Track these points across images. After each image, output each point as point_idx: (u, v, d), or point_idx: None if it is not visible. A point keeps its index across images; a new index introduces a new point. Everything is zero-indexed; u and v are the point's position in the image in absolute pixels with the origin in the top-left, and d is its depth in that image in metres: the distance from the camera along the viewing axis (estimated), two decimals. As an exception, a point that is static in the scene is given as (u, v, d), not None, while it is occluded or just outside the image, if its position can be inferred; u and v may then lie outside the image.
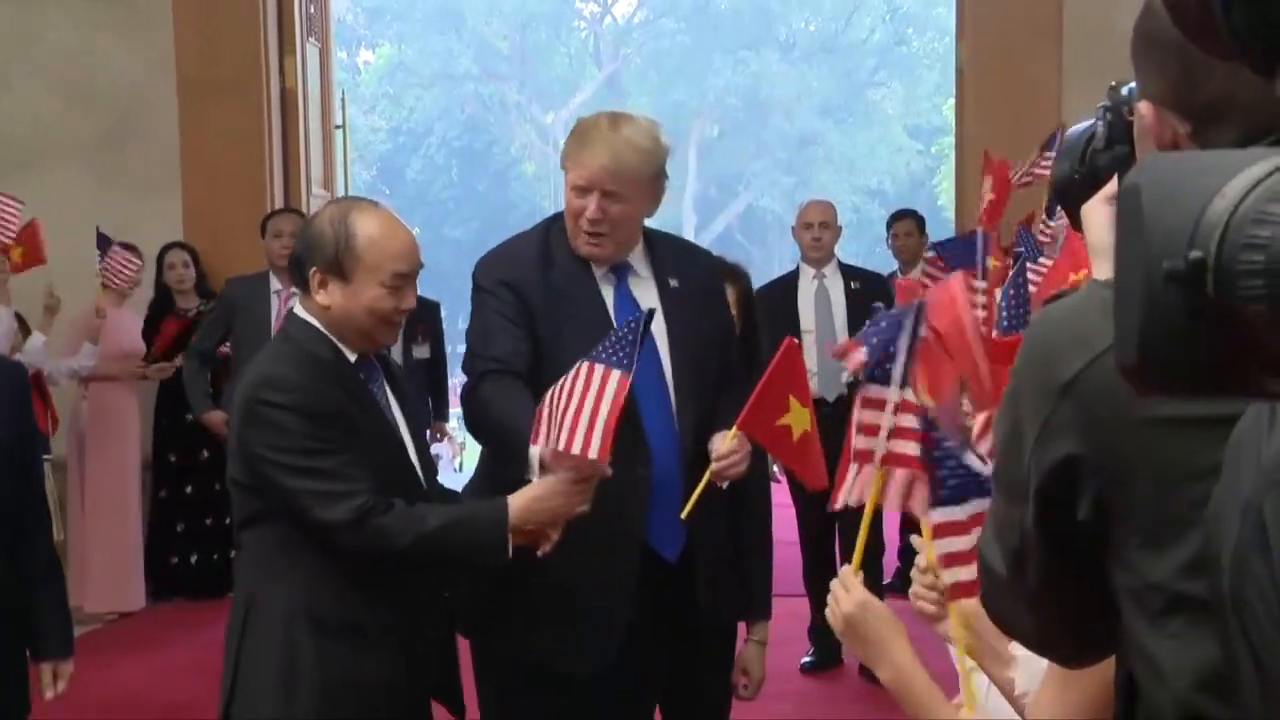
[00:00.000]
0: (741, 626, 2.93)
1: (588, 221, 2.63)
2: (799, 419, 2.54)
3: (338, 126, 7.77)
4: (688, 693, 2.78)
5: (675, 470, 2.63)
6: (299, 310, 2.46)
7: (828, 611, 1.83)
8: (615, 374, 2.32)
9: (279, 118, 6.95)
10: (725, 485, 2.63)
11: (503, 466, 2.60)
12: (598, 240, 2.65)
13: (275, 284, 5.89)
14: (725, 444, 2.56)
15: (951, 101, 8.77)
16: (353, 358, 2.44)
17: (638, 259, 2.75)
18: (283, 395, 2.33)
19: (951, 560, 1.70)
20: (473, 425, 2.74)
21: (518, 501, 2.35)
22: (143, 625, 6.30)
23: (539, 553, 2.40)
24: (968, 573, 1.68)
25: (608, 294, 2.70)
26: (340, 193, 7.77)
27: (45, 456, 5.85)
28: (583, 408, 2.32)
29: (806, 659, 5.56)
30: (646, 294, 2.71)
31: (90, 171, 6.88)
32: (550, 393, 2.36)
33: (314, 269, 2.40)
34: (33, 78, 6.93)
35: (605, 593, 2.61)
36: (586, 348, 2.43)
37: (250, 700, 2.37)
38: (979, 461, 1.70)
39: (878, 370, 1.81)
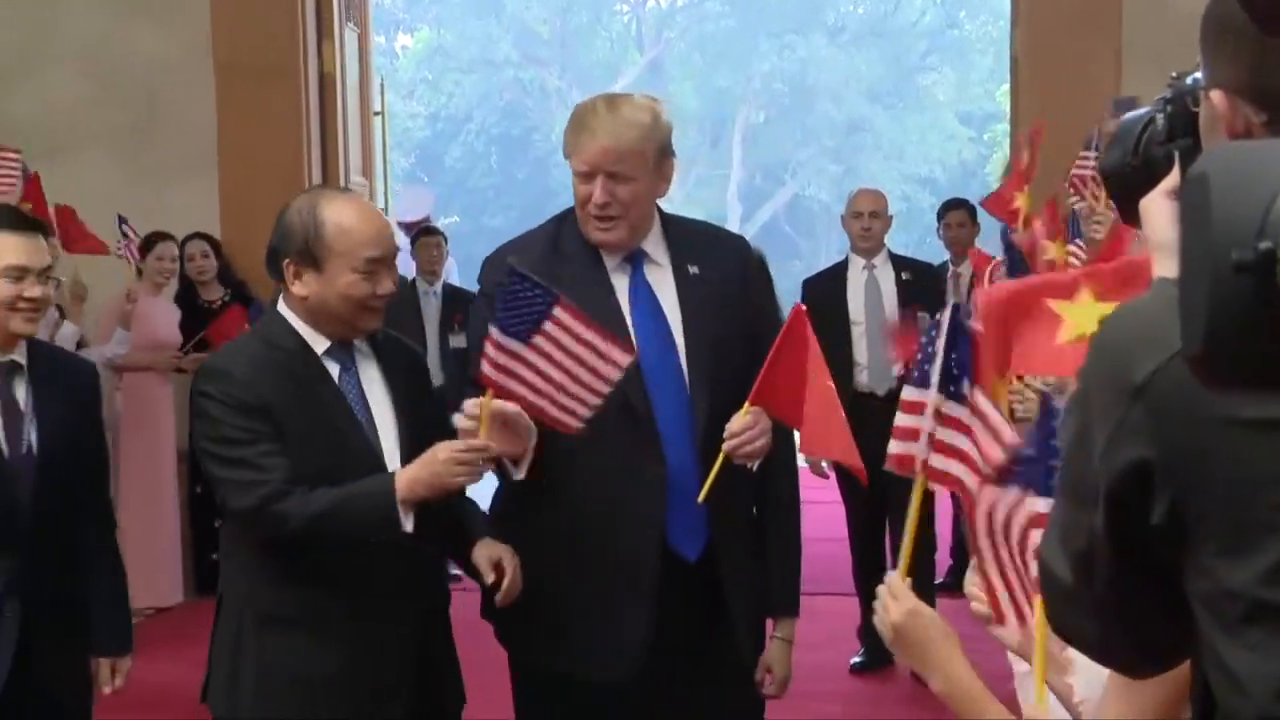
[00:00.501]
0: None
1: (595, 206, 2.62)
2: (820, 391, 2.50)
3: (376, 113, 7.79)
4: (719, 696, 2.75)
5: (691, 467, 2.61)
6: (279, 303, 2.55)
7: (875, 619, 1.81)
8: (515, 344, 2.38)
9: (317, 104, 6.99)
10: (753, 467, 2.61)
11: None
12: (608, 224, 2.63)
13: None
14: (738, 421, 2.54)
15: (1005, 87, 8.71)
16: (322, 347, 2.48)
17: (654, 245, 2.72)
18: (214, 386, 2.45)
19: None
20: None
21: (406, 473, 2.39)
22: (179, 621, 6.33)
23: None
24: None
25: (622, 285, 2.68)
26: (379, 181, 7.81)
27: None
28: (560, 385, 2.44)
29: (856, 659, 5.55)
30: (663, 282, 2.69)
31: (122, 159, 6.93)
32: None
33: (287, 260, 2.49)
34: (61, 63, 6.98)
35: (627, 598, 2.60)
36: None
37: (214, 693, 2.53)
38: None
39: (916, 372, 1.80)
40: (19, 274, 2.74)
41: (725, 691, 2.74)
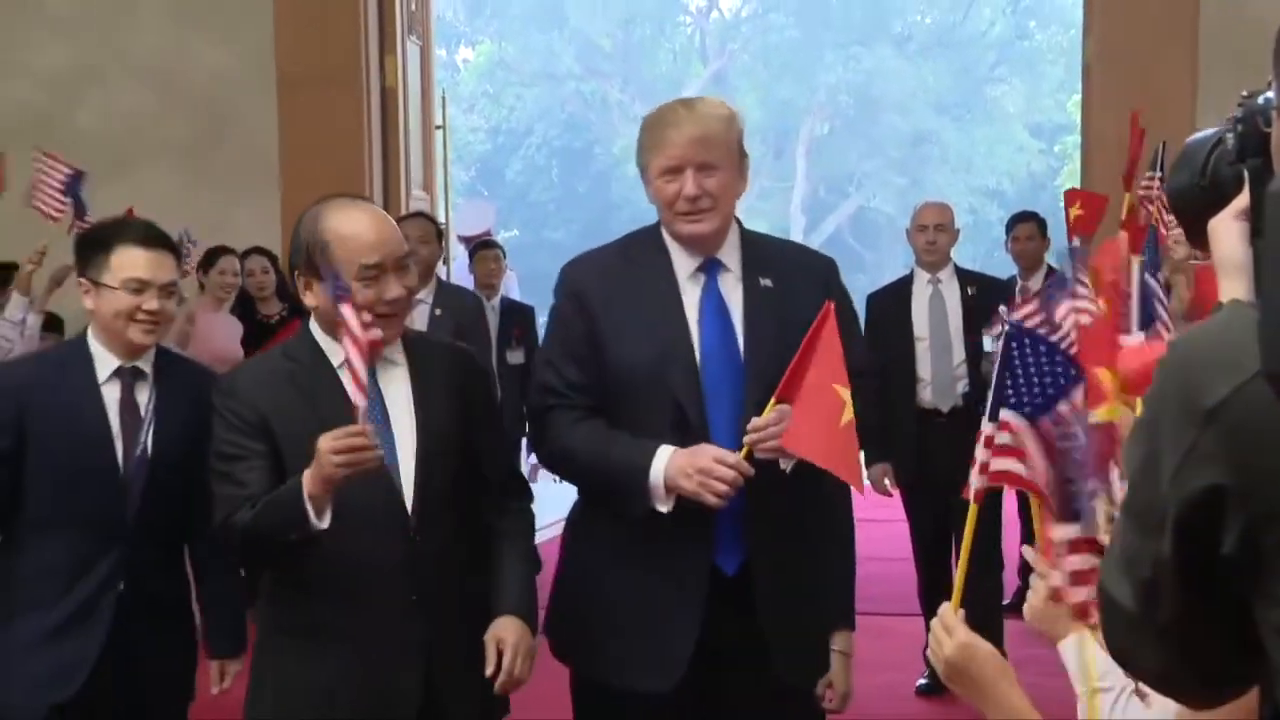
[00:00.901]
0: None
1: (686, 200, 2.62)
2: (823, 391, 2.47)
3: (438, 126, 7.85)
4: (778, 713, 2.73)
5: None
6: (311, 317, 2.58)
7: (929, 653, 1.78)
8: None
9: (379, 117, 7.05)
10: (786, 468, 2.59)
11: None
12: (700, 216, 2.64)
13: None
14: (763, 417, 2.52)
15: (1077, 98, 8.63)
16: (340, 357, 2.47)
17: (730, 255, 2.72)
18: (219, 401, 2.52)
19: (1083, 578, 1.67)
20: (552, 468, 2.79)
21: (310, 471, 2.36)
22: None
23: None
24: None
25: (693, 292, 2.68)
26: (439, 195, 7.86)
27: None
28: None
29: (922, 681, 5.50)
30: (734, 292, 2.69)
31: (184, 172, 7.02)
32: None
33: (297, 272, 2.52)
34: (126, 76, 7.09)
35: (672, 608, 2.61)
36: (657, 350, 2.55)
37: (247, 702, 2.59)
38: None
39: (992, 404, 1.77)
40: (139, 287, 2.85)
41: (784, 708, 2.72)
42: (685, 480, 2.50)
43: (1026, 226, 6.44)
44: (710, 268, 2.70)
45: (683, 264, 2.70)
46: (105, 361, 2.91)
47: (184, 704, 3.08)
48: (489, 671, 2.49)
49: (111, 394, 2.89)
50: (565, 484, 2.82)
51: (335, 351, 2.50)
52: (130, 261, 2.87)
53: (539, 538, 2.82)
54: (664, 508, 2.53)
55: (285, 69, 6.96)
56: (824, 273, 2.81)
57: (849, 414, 2.46)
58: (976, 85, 29.05)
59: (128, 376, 2.92)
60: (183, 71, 7.05)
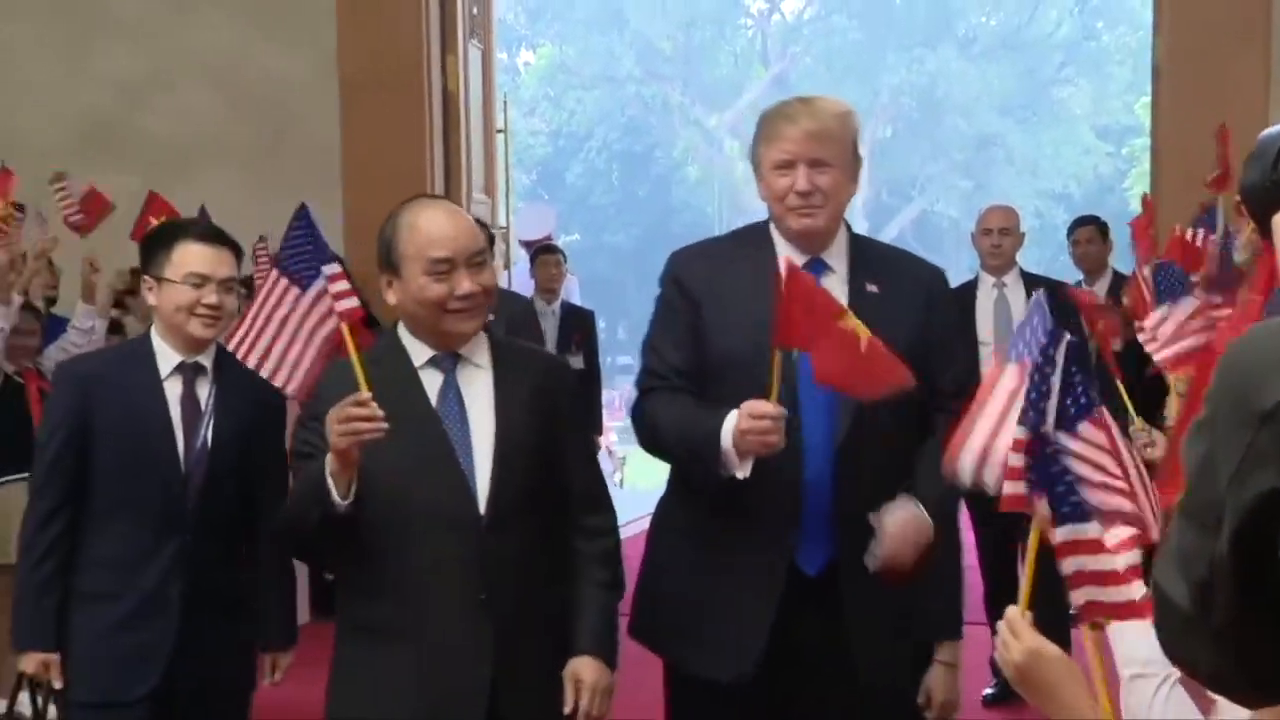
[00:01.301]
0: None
1: (798, 195, 2.64)
2: (855, 324, 2.45)
3: (499, 130, 7.90)
4: (850, 717, 2.72)
5: (828, 480, 2.62)
6: None
7: (997, 657, 1.78)
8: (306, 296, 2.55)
9: (441, 120, 7.11)
10: (871, 565, 2.58)
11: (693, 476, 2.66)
12: (811, 212, 2.66)
13: None
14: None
15: (1145, 100, 8.56)
16: (422, 358, 2.53)
17: (836, 258, 2.74)
18: (304, 401, 2.61)
19: (1081, 580, 1.68)
20: (646, 445, 2.80)
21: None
22: (305, 638, 6.36)
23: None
24: (1103, 594, 1.67)
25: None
26: (501, 198, 7.91)
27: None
28: (295, 338, 2.60)
29: (989, 690, 5.47)
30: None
31: (247, 176, 7.10)
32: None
33: (381, 272, 2.57)
34: (193, 80, 7.19)
35: (746, 601, 2.63)
36: (753, 343, 2.54)
37: (329, 702, 2.63)
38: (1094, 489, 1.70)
39: (1030, 412, 1.77)
40: (200, 281, 2.96)
41: (867, 711, 2.71)
42: (740, 444, 2.51)
43: (1086, 230, 6.40)
44: (814, 267, 2.71)
45: (798, 254, 2.71)
46: (167, 357, 3.02)
47: (248, 694, 3.18)
48: (567, 710, 2.53)
49: (173, 389, 3.00)
50: (646, 488, 2.85)
51: (419, 351, 2.55)
52: (190, 257, 2.97)
53: (624, 533, 2.85)
54: (741, 473, 2.53)
55: (348, 73, 7.04)
56: (929, 282, 2.83)
57: (864, 334, 2.45)
58: (1042, 87, 28.80)
59: (189, 372, 3.02)
60: (247, 76, 7.15)
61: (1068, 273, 7.29)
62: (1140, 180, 20.85)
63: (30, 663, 2.97)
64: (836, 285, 2.71)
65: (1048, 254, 22.45)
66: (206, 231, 3.07)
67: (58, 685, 2.95)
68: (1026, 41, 28.57)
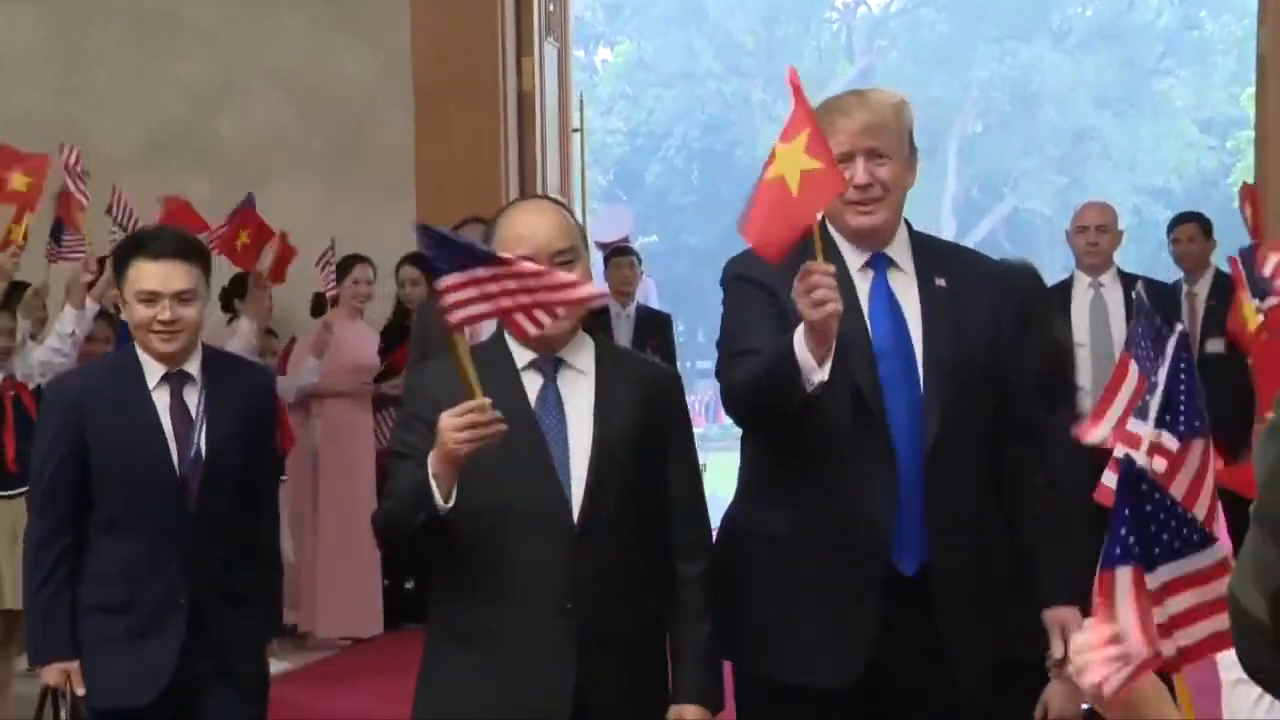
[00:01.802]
0: None
1: (856, 189, 2.63)
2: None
3: (575, 130, 7.93)
4: None
5: (918, 478, 2.61)
6: None
7: (1077, 680, 1.75)
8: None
9: (515, 122, 7.16)
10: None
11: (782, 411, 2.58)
12: (870, 207, 2.65)
13: None
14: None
15: (1250, 91, 8.41)
16: (524, 360, 2.57)
17: (900, 252, 2.73)
18: (404, 397, 2.68)
19: (1192, 617, 1.56)
20: (744, 412, 2.72)
21: (435, 451, 2.41)
22: (377, 651, 6.42)
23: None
24: (1218, 622, 1.60)
25: (863, 288, 2.69)
26: (577, 199, 7.94)
27: (281, 478, 6.15)
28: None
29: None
30: (908, 290, 2.69)
31: (322, 180, 7.21)
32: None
33: None
34: (265, 85, 7.31)
35: (848, 603, 2.61)
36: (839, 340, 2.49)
37: (416, 705, 2.66)
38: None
39: (1139, 403, 1.74)
40: (150, 297, 3.06)
41: (958, 716, 2.68)
42: (804, 318, 2.43)
43: (1187, 228, 6.31)
44: (878, 263, 2.71)
45: (851, 258, 2.70)
46: (153, 369, 3.14)
47: (264, 686, 3.28)
48: None
49: (162, 399, 3.12)
50: (728, 495, 2.84)
51: (521, 353, 2.58)
52: (141, 274, 3.07)
53: None
54: (819, 375, 2.45)
55: (421, 76, 7.10)
56: (995, 276, 2.83)
57: (774, 170, 2.45)
58: (1142, 78, 28.40)
59: (176, 381, 3.14)
60: (320, 81, 7.24)
61: (1168, 271, 7.18)
62: (1245, 175, 20.50)
63: (51, 674, 3.11)
64: (905, 282, 2.70)
65: (1148, 252, 22.14)
66: (161, 247, 3.12)
67: (80, 692, 3.08)
68: (1125, 31, 28.19)
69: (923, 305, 2.68)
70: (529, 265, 2.39)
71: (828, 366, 2.46)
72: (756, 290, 2.70)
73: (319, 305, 6.68)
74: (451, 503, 2.41)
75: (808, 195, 2.44)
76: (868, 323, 2.66)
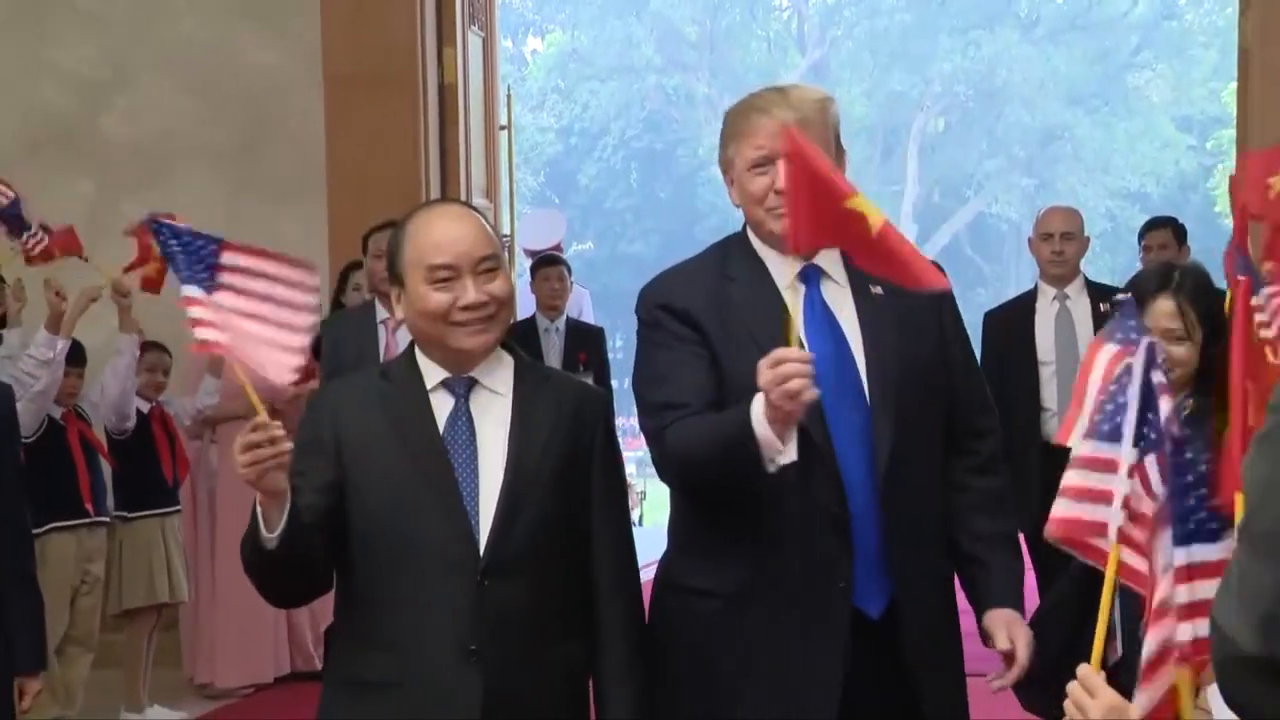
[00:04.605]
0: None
1: (778, 195, 2.63)
2: (865, 206, 2.39)
3: (502, 127, 7.93)
4: None
5: (873, 511, 2.61)
6: None
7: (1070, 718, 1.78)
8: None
9: (437, 117, 7.14)
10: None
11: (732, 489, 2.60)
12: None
13: (382, 312, 5.74)
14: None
15: (1233, 87, 8.54)
16: (434, 379, 2.54)
17: (832, 262, 2.73)
18: (304, 415, 2.61)
19: (1199, 611, 1.67)
20: (687, 487, 2.74)
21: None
22: (279, 701, 6.34)
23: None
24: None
25: (792, 302, 2.67)
26: (504, 202, 7.94)
27: (173, 508, 6.12)
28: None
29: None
30: (843, 302, 2.70)
31: (225, 178, 7.15)
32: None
33: (390, 284, 2.61)
34: (161, 75, 7.25)
35: (814, 649, 2.61)
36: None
37: None
38: None
39: (1106, 426, 1.77)
40: None
41: None
42: (769, 409, 2.42)
43: (1159, 234, 6.39)
44: (809, 275, 2.71)
45: (779, 271, 2.71)
46: None
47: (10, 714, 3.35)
48: None
49: None
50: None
51: (432, 373, 2.56)
52: None
53: (644, 575, 2.79)
54: (786, 457, 2.46)
55: (334, 67, 7.07)
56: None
57: (876, 219, 2.38)
58: (1116, 73, 28.78)
59: None
60: (221, 70, 7.19)
61: (1142, 282, 7.27)
62: (1227, 177, 20.69)
63: None
64: (839, 294, 2.71)
65: (1123, 261, 22.43)
66: None
67: None
68: (1098, 22, 28.57)
69: (860, 317, 2.69)
70: (253, 264, 2.47)
71: (793, 445, 2.46)
72: (679, 325, 2.69)
73: None
74: (279, 532, 2.38)
75: (888, 249, 2.40)
76: (804, 344, 2.63)
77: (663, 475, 2.77)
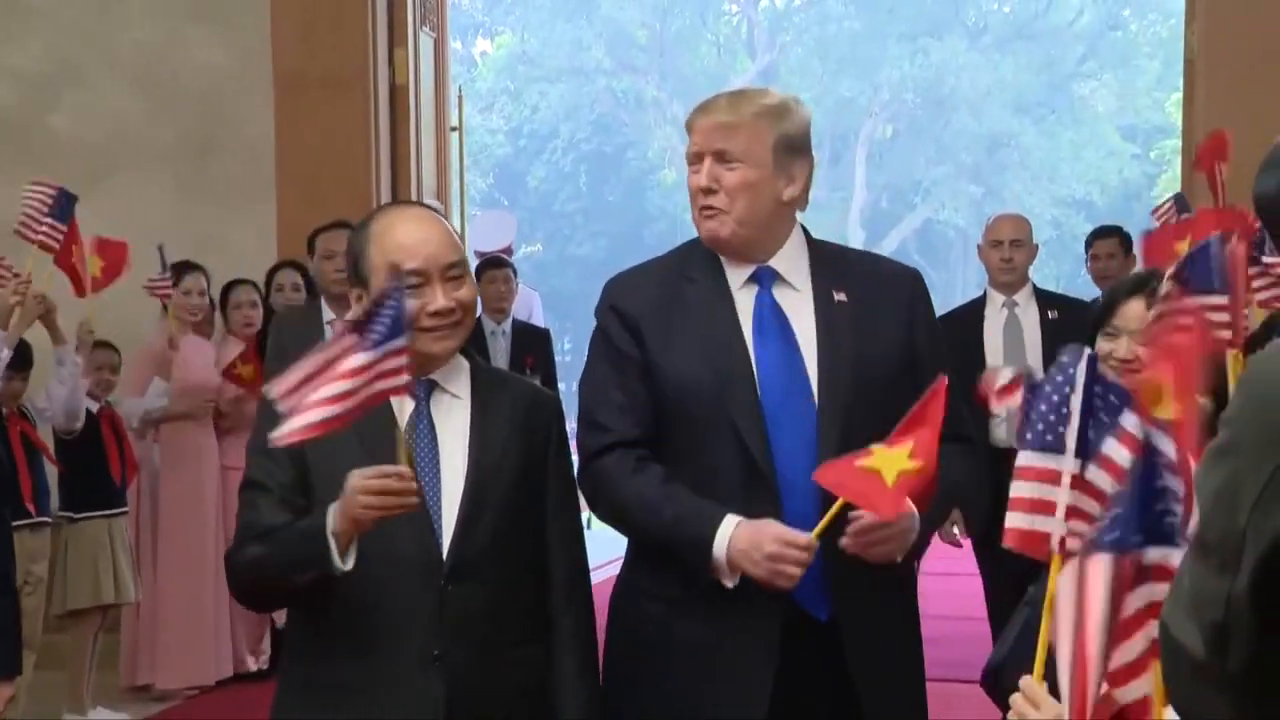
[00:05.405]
0: None
1: (699, 192, 2.66)
2: (887, 462, 2.43)
3: (453, 128, 7.91)
4: None
5: (813, 511, 2.58)
6: None
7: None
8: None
9: (387, 117, 7.11)
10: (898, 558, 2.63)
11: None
12: (710, 214, 2.66)
13: (328, 313, 5.80)
14: (865, 522, 2.50)
15: (1177, 96, 8.62)
16: None
17: (790, 265, 2.72)
18: (259, 418, 2.56)
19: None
20: (595, 505, 2.78)
21: (337, 507, 2.37)
22: (222, 703, 6.31)
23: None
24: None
25: (745, 304, 2.69)
26: (454, 203, 7.92)
27: (120, 510, 6.09)
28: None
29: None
30: (800, 307, 2.69)
31: (174, 179, 7.10)
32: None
33: (350, 287, 2.59)
34: (109, 74, 7.19)
35: (746, 647, 2.63)
36: (713, 371, 2.59)
37: None
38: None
39: (1049, 436, 1.78)
40: None
41: None
42: (751, 565, 2.51)
43: (1106, 243, 6.43)
44: (761, 277, 2.71)
45: (733, 274, 2.71)
46: None
47: None
48: None
49: None
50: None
51: None
52: None
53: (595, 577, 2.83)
54: (730, 583, 2.56)
55: (284, 66, 7.04)
56: (909, 284, 2.80)
57: (868, 463, 2.43)
58: (1062, 82, 29.00)
59: None
60: (169, 70, 7.14)
61: (1087, 290, 7.34)
62: (1171, 187, 20.93)
63: None
64: (797, 299, 2.70)
65: (1067, 269, 22.61)
66: None
67: None
68: (1044, 31, 28.78)
69: (818, 322, 2.68)
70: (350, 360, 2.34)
71: (738, 575, 2.54)
72: (622, 333, 2.70)
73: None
74: (350, 564, 2.37)
75: (901, 488, 2.42)
76: (750, 350, 2.65)
77: (592, 506, 2.79)
